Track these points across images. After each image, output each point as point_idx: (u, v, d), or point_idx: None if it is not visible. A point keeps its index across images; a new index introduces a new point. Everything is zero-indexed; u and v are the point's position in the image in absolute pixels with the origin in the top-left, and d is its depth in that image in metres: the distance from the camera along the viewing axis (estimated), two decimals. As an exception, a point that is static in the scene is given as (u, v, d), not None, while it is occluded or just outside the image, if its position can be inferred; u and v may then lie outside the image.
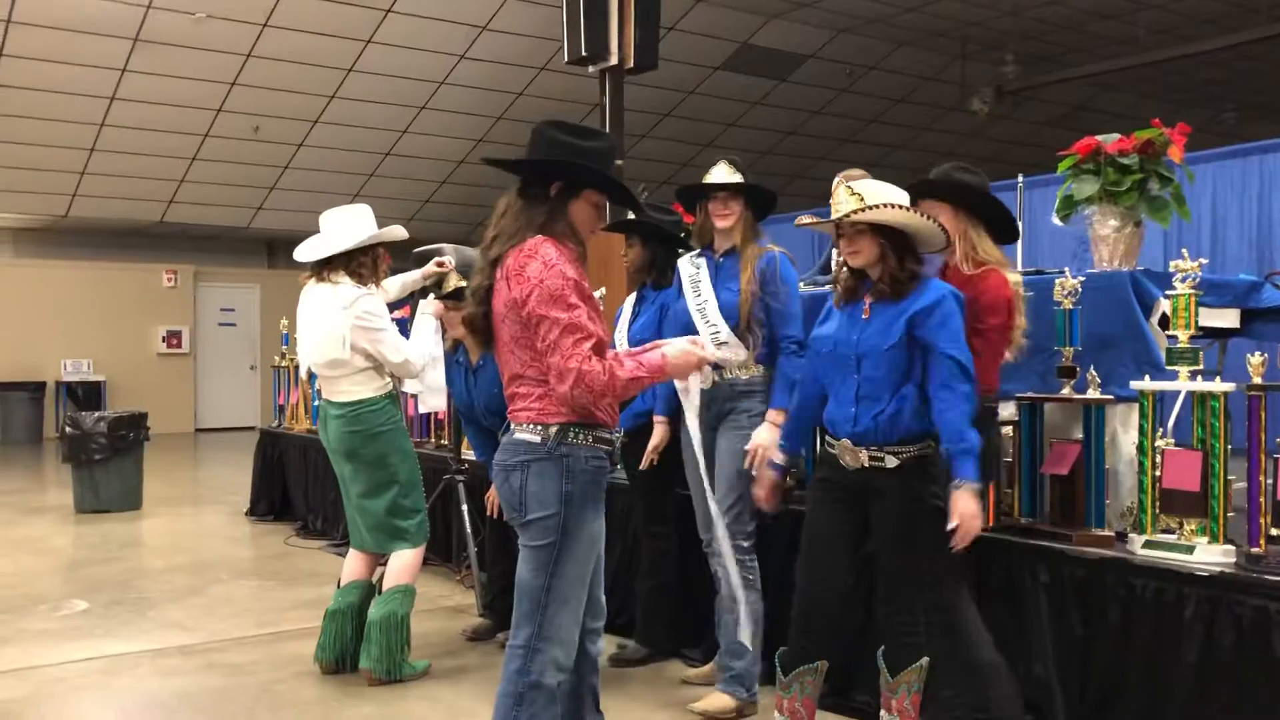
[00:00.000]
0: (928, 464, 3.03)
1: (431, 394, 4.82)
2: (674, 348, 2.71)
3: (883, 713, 3.09)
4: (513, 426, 2.74)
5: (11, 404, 15.62)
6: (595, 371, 2.56)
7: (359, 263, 4.35)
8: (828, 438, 3.16)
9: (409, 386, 4.53)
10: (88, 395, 15.88)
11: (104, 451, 8.52)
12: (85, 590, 5.94)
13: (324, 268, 4.37)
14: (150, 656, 4.70)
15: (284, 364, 8.78)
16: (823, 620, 3.13)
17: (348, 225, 4.36)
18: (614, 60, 8.54)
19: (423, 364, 4.41)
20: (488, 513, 4.88)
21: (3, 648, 4.83)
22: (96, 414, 8.81)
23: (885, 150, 17.59)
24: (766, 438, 3.64)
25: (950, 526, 2.89)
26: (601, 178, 2.80)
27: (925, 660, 3.02)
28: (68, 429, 8.60)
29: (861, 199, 2.98)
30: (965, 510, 2.88)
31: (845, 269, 3.17)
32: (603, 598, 3.00)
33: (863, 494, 3.07)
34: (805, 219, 3.35)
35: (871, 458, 3.03)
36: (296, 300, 9.38)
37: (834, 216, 3.04)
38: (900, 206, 2.98)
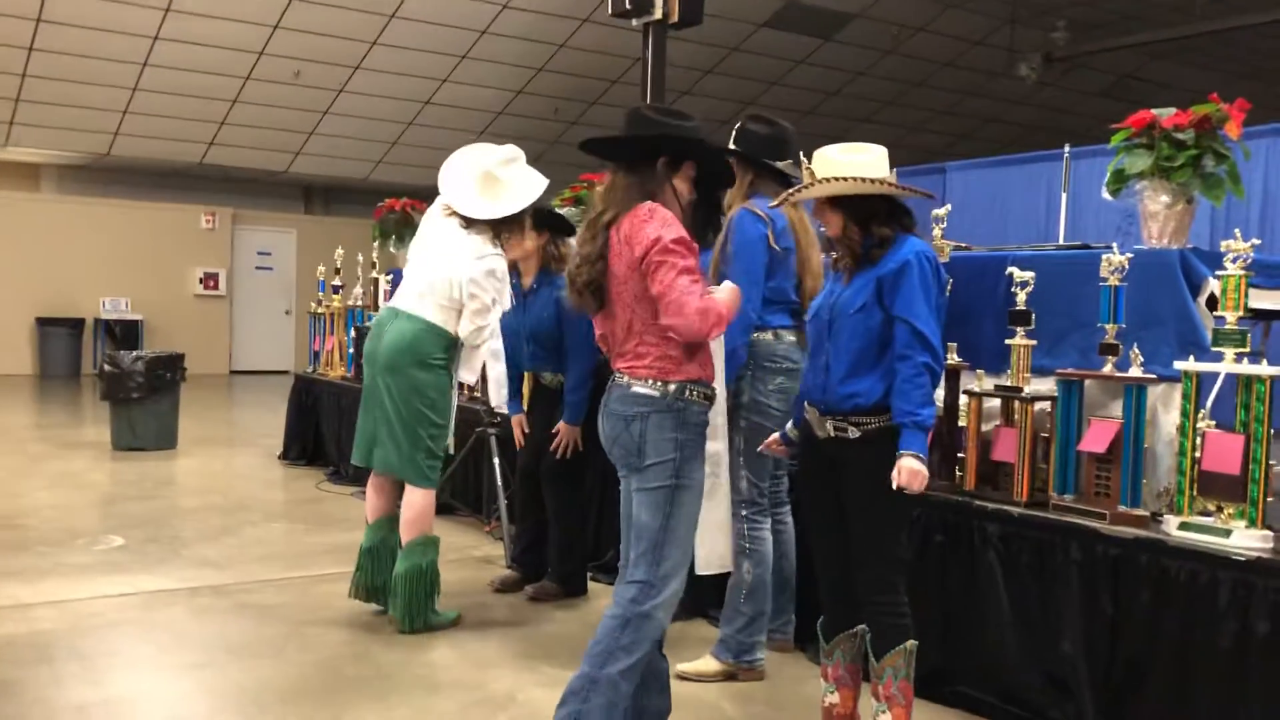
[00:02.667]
0: (894, 435, 2.90)
1: (494, 385, 4.71)
2: (722, 290, 3.02)
3: (871, 700, 3.00)
4: (628, 380, 2.98)
5: (51, 340, 15.84)
6: (709, 303, 2.87)
7: (505, 230, 4.38)
8: (805, 405, 3.12)
9: (463, 375, 4.50)
10: (125, 334, 16.08)
11: (141, 390, 8.64)
12: (122, 526, 6.04)
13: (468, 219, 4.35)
14: (185, 594, 4.79)
15: (320, 310, 8.83)
16: (843, 597, 3.10)
17: (526, 187, 4.34)
18: (658, 14, 8.44)
19: (482, 341, 4.35)
20: (517, 446, 4.86)
21: (42, 580, 4.94)
22: (135, 353, 8.91)
23: (929, 115, 17.36)
24: None
25: (895, 486, 2.80)
26: (708, 148, 3.11)
27: (911, 643, 2.94)
28: (106, 367, 8.71)
29: (812, 175, 2.93)
30: (909, 466, 2.79)
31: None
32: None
33: (834, 464, 3.01)
34: (774, 202, 3.34)
35: (836, 428, 2.97)
36: (333, 246, 9.46)
37: (775, 202, 3.13)
38: (846, 178, 2.87)
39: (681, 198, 3.08)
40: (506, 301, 4.39)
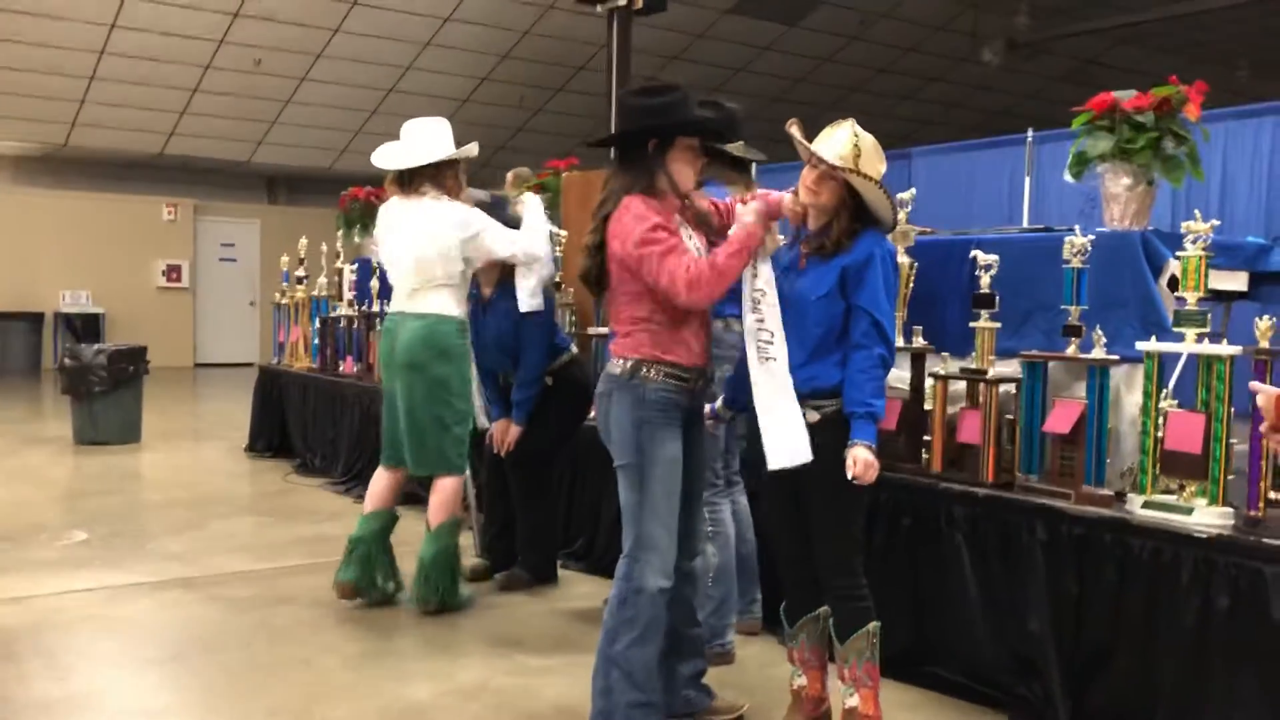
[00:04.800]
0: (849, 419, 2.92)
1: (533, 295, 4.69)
2: (746, 211, 3.03)
3: (839, 684, 3.02)
4: (611, 361, 3.15)
5: (9, 334, 15.62)
6: (697, 271, 2.93)
7: (446, 175, 4.40)
8: None
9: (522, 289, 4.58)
10: (86, 327, 15.86)
11: (103, 384, 8.53)
12: (85, 521, 5.97)
13: (410, 180, 4.39)
14: (150, 588, 4.74)
15: (284, 301, 8.75)
16: (805, 580, 3.11)
17: (436, 137, 4.40)
18: (623, 0, 8.42)
19: (536, 246, 4.49)
20: (497, 451, 4.85)
21: (3, 576, 4.86)
22: (96, 346, 8.80)
23: (894, 101, 17.41)
24: None
25: (850, 477, 2.83)
26: (680, 125, 3.09)
27: (874, 625, 2.96)
28: (67, 361, 8.60)
29: (858, 156, 2.91)
30: (863, 458, 2.83)
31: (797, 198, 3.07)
32: (698, 527, 3.30)
33: None
34: (798, 131, 3.12)
35: None
36: (297, 237, 9.33)
37: (824, 153, 2.91)
38: (877, 183, 2.93)
39: (681, 173, 3.11)
40: (492, 221, 4.46)
